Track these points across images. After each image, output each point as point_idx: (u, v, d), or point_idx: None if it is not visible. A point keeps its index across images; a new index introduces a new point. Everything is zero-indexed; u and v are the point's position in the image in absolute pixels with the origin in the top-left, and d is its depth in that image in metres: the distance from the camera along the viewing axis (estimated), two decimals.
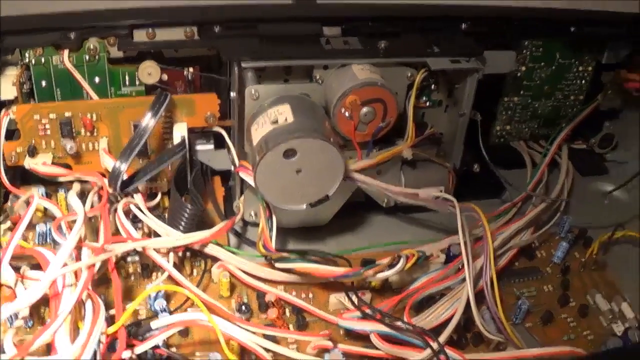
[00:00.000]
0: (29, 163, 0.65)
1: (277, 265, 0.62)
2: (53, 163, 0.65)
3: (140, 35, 0.63)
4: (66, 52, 0.63)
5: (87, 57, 0.64)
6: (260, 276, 0.64)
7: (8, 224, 0.65)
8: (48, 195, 0.69)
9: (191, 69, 0.67)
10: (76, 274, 0.56)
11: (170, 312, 0.60)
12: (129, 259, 0.65)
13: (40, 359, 0.50)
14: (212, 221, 0.69)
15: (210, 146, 0.70)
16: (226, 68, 0.66)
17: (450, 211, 0.63)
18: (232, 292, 0.64)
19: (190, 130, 0.67)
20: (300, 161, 0.59)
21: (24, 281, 0.56)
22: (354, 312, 0.60)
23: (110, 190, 0.63)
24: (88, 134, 0.66)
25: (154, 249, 0.62)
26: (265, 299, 0.62)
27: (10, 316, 0.56)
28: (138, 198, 0.65)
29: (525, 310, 0.65)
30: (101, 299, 0.54)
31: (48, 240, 0.65)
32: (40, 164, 0.65)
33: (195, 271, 0.66)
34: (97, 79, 0.65)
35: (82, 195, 0.65)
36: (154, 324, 0.56)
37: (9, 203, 0.66)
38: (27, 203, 0.62)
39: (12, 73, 0.63)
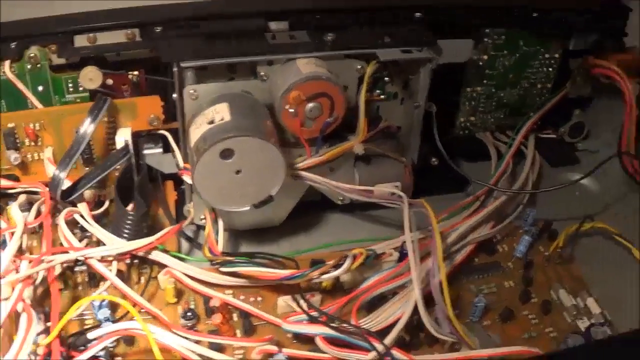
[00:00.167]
0: None
1: (222, 269, 0.61)
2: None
3: (81, 41, 0.62)
4: (7, 62, 0.62)
5: (29, 66, 0.63)
6: (207, 281, 0.62)
7: None
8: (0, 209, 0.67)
9: (135, 72, 0.66)
10: None
11: (114, 321, 0.58)
12: (76, 268, 0.63)
13: None
14: (163, 227, 0.67)
15: (159, 150, 0.68)
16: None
17: (399, 207, 0.61)
18: (179, 299, 0.63)
19: (137, 134, 0.66)
20: (239, 161, 0.58)
21: None
22: (301, 315, 0.58)
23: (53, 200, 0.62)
24: (32, 143, 0.65)
25: (97, 259, 0.60)
26: (209, 304, 0.61)
27: None
28: (82, 207, 0.64)
29: (482, 308, 0.63)
30: (44, 311, 0.53)
31: None
32: None
33: (142, 278, 0.64)
34: (40, 88, 0.64)
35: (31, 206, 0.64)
36: (90, 335, 0.55)
37: None
38: None
39: None
